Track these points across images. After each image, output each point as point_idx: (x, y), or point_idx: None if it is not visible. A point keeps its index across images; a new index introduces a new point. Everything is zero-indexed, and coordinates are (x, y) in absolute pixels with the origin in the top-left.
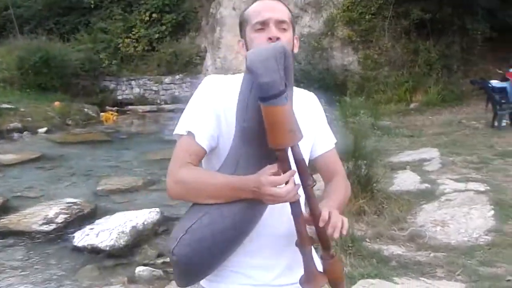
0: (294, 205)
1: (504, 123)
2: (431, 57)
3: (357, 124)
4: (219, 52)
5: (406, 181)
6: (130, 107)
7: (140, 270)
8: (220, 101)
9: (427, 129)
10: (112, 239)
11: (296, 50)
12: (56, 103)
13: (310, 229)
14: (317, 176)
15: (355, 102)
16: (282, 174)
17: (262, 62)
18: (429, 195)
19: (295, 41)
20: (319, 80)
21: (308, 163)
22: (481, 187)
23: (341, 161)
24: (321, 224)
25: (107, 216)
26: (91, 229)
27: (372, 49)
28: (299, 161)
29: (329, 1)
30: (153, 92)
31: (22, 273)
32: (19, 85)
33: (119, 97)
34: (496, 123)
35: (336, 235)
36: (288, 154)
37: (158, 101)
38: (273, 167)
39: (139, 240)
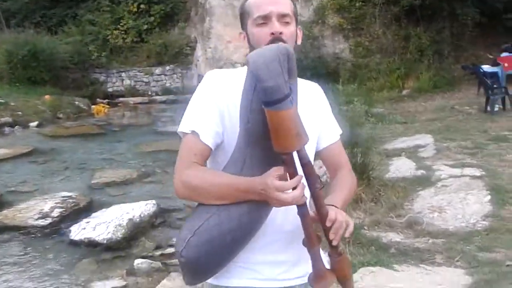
0: (301, 206)
1: (496, 107)
2: (422, 43)
3: (351, 112)
4: (210, 42)
5: (401, 168)
6: (121, 99)
7: (138, 262)
8: (223, 97)
9: (420, 115)
10: (109, 232)
11: (299, 42)
12: (47, 97)
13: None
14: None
15: (348, 90)
16: (288, 177)
17: (266, 65)
18: (425, 181)
19: (298, 32)
20: (311, 68)
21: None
22: (477, 172)
23: None
24: (328, 224)
25: (103, 209)
26: (88, 222)
27: (363, 37)
28: (305, 164)
29: None
30: (144, 83)
31: (20, 268)
32: (8, 79)
33: (110, 89)
34: (488, 108)
35: (336, 242)
36: (294, 156)
37: (149, 93)
38: (279, 169)
39: (136, 232)
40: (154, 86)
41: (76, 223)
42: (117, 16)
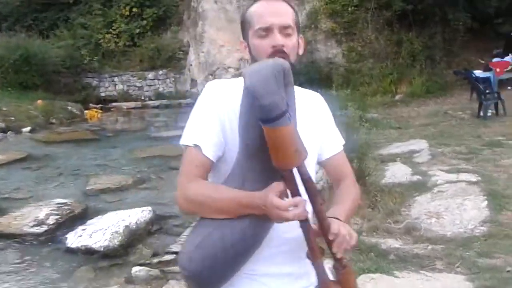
0: (303, 221)
1: (489, 113)
2: (414, 49)
3: (346, 117)
4: (202, 46)
5: (397, 173)
6: (114, 104)
7: (136, 270)
8: (224, 107)
9: (414, 121)
10: (106, 240)
11: (301, 52)
12: (39, 102)
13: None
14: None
15: (341, 95)
16: (289, 193)
17: (261, 82)
18: (421, 186)
19: (300, 41)
20: (304, 73)
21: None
22: (473, 177)
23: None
24: (331, 238)
25: (99, 216)
26: (84, 229)
27: (356, 41)
28: (306, 179)
29: None
30: (137, 88)
31: (16, 277)
32: None
33: (102, 94)
34: (481, 113)
35: (339, 255)
36: (295, 171)
37: (142, 97)
38: (279, 185)
39: (132, 239)
40: (147, 91)
41: (72, 230)
42: (109, 20)
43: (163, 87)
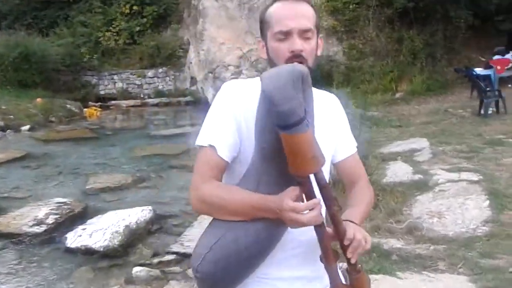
0: (318, 226)
1: (490, 111)
2: (415, 46)
3: (347, 115)
4: (203, 44)
5: (398, 172)
6: (113, 102)
7: (137, 270)
8: (240, 108)
9: (414, 119)
10: (106, 239)
11: (319, 53)
12: (38, 100)
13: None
14: None
15: (342, 93)
16: (304, 198)
17: (279, 88)
18: (422, 186)
19: (319, 42)
20: None
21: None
22: (474, 176)
23: None
24: (346, 243)
25: (99, 216)
26: (84, 229)
27: (357, 39)
28: (323, 186)
29: None
30: (136, 86)
31: (15, 277)
32: None
33: (102, 92)
34: (482, 111)
35: (354, 260)
36: (311, 177)
37: (142, 95)
38: (295, 189)
39: (132, 239)
40: (146, 89)
41: (71, 230)
42: (109, 18)
43: (162, 85)
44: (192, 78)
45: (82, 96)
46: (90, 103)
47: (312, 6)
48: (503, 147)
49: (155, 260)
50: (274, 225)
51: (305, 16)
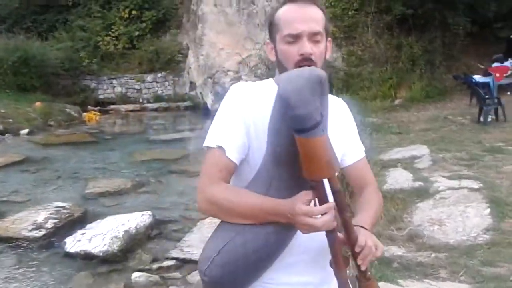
0: (330, 231)
1: (489, 118)
2: (414, 53)
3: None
4: (202, 49)
5: (399, 179)
6: (112, 106)
7: (136, 276)
8: (249, 111)
9: (414, 126)
10: (105, 244)
11: (328, 55)
12: (37, 104)
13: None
14: None
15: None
16: (317, 203)
17: (296, 92)
18: (423, 193)
19: (328, 45)
20: None
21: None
22: (475, 184)
23: None
24: (357, 250)
25: (98, 220)
26: (83, 234)
27: (356, 45)
28: (336, 191)
29: None
30: (135, 90)
31: (13, 282)
32: None
33: (101, 97)
34: (482, 119)
35: (364, 267)
36: (325, 182)
37: (141, 100)
38: (308, 194)
39: (132, 244)
40: (145, 94)
41: (70, 234)
42: (108, 22)
43: (161, 90)
44: (191, 83)
45: (81, 100)
46: (89, 107)
47: (321, 8)
48: (503, 155)
49: (155, 266)
50: (283, 230)
51: (314, 19)
